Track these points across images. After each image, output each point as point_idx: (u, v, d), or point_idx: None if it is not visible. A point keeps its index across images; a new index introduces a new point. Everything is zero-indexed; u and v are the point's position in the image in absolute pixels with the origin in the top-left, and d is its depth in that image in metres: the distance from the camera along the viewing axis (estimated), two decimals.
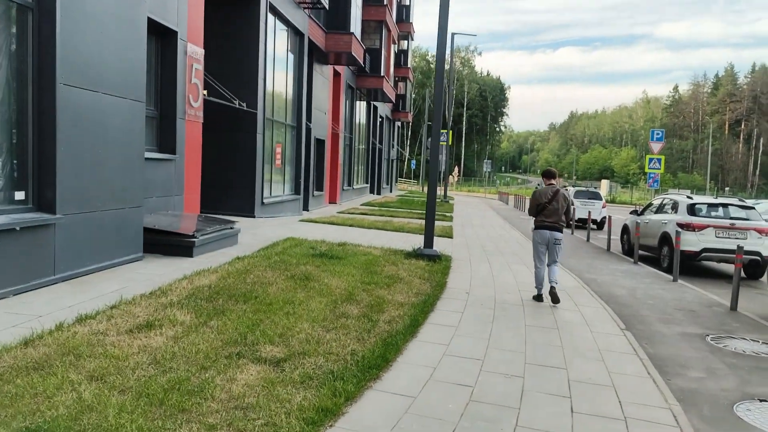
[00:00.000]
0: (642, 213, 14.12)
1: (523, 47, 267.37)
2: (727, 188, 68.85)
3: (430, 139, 35.60)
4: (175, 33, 9.51)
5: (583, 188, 25.04)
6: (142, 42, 7.44)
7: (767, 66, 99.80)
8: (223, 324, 5.00)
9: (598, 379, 4.69)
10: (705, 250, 11.37)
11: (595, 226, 22.17)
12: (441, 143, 36.33)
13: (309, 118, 19.22)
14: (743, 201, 12.19)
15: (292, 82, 17.04)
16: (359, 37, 21.78)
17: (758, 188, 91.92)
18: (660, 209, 13.26)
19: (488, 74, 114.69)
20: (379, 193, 36.99)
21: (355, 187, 28.80)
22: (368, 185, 33.62)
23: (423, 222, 19.27)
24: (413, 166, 35.83)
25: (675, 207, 12.46)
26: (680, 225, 11.66)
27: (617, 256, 13.84)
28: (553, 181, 7.67)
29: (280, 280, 6.84)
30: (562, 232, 7.35)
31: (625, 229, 14.95)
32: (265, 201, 14.47)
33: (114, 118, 6.84)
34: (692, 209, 11.88)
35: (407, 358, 4.78)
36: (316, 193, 20.66)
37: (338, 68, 23.16)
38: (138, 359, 4.05)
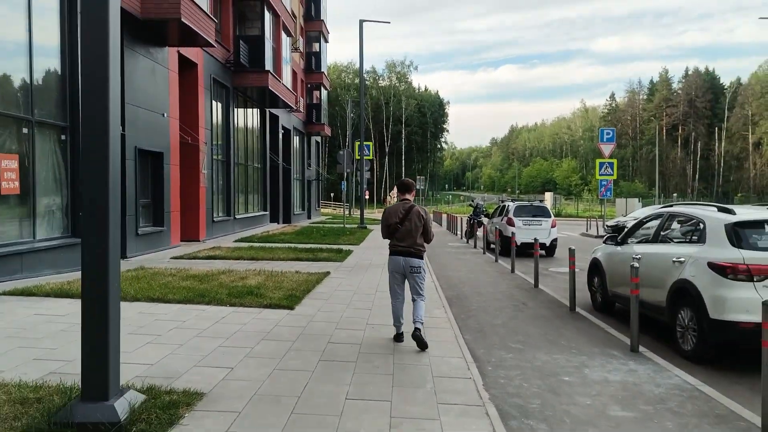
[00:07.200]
0: (624, 240, 8.17)
1: (465, 66, 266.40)
2: (675, 194, 65.72)
3: (342, 152, 29.37)
4: None
5: (525, 202, 17.87)
6: None
7: (700, 70, 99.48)
8: None
9: None
10: None
11: (543, 252, 16.30)
12: (366, 158, 30.35)
13: (121, 120, 12.64)
14: None
15: (58, 56, 10.51)
16: (206, 9, 15.37)
17: (698, 192, 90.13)
18: (660, 233, 7.33)
19: (426, 89, 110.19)
20: (288, 221, 30.33)
21: (239, 216, 22.11)
22: (267, 213, 26.91)
23: (293, 268, 10.30)
24: (343, 188, 29.88)
25: (697, 228, 6.52)
26: (715, 267, 5.76)
27: (591, 325, 7.64)
28: (408, 196, 5.98)
29: None
30: (420, 257, 5.81)
31: (595, 268, 8.85)
32: None
33: None
34: (735, 234, 5.94)
35: None
36: (144, 230, 13.97)
37: (189, 55, 16.68)
38: None
